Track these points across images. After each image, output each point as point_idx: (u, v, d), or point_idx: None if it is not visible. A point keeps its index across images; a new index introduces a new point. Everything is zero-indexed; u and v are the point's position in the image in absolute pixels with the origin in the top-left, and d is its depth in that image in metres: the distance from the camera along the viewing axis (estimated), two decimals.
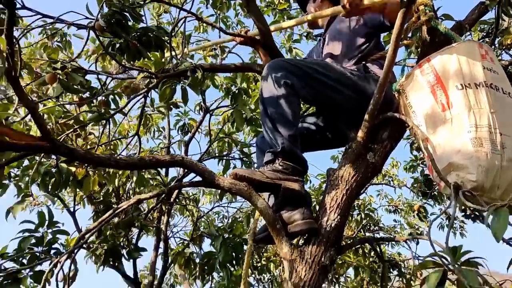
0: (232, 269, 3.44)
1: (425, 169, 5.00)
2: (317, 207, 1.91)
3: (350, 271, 6.50)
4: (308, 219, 1.77)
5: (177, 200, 4.18)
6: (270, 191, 1.90)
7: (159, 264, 4.88)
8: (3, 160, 1.48)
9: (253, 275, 6.45)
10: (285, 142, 1.84)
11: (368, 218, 5.44)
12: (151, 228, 3.78)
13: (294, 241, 1.86)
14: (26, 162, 2.93)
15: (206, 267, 4.22)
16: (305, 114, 2.40)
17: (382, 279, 2.35)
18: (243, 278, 1.78)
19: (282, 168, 1.82)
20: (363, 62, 2.10)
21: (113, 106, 2.85)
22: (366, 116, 1.87)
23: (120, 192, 3.83)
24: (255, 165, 2.58)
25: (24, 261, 2.25)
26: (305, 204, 1.82)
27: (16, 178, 3.27)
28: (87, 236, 1.82)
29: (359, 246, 4.94)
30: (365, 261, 5.00)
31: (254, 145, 4.70)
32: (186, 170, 3.98)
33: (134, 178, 2.74)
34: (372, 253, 5.24)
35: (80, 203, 4.29)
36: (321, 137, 2.19)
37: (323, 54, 2.31)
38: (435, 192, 4.87)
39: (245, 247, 3.73)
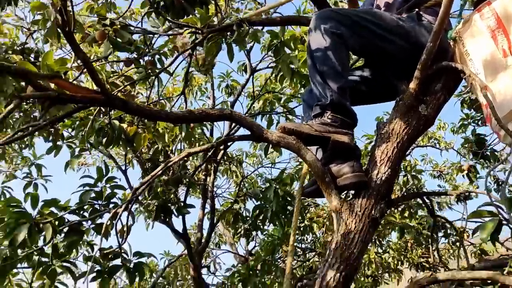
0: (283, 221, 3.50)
1: (476, 128, 4.80)
2: (364, 167, 1.88)
3: (392, 236, 6.46)
4: (358, 172, 1.75)
5: (223, 160, 4.26)
6: (319, 144, 1.89)
7: (206, 224, 5.04)
8: (61, 113, 1.54)
9: (296, 235, 6.55)
10: (334, 95, 1.80)
11: (414, 181, 5.31)
12: (198, 186, 3.89)
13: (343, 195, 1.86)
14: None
15: (251, 225, 4.33)
16: (353, 67, 2.34)
17: (432, 235, 2.33)
18: (292, 230, 1.81)
19: (331, 121, 1.80)
20: (416, 10, 2.00)
21: (159, 66, 2.89)
22: (419, 67, 1.79)
23: (168, 152, 3.93)
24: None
25: (86, 214, 2.39)
26: (355, 157, 1.80)
27: (69, 140, 3.44)
28: (141, 189, 1.89)
29: (404, 207, 4.87)
30: (410, 222, 4.93)
31: (298, 98, 4.67)
32: (232, 126, 4.04)
33: (183, 134, 2.81)
34: (418, 215, 5.16)
35: (129, 163, 4.45)
36: (369, 90, 2.12)
37: (375, 5, 2.22)
38: (487, 152, 4.68)
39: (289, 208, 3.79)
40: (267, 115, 4.20)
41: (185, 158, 2.81)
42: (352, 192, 1.87)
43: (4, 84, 1.27)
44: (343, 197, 1.81)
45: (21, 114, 3.03)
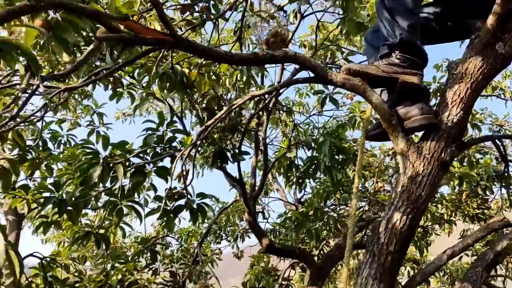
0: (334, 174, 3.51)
1: None
2: None
3: (444, 189, 6.29)
4: (428, 114, 1.69)
5: (275, 107, 4.24)
6: (385, 86, 1.83)
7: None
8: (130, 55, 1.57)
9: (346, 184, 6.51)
10: (403, 33, 1.71)
11: (474, 130, 5.08)
12: (252, 133, 3.94)
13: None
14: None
15: (303, 173, 4.36)
16: (423, 4, 2.20)
17: (503, 178, 2.24)
18: (357, 173, 1.80)
19: (399, 62, 1.73)
20: None
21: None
22: (498, 1, 1.66)
23: (221, 101, 3.95)
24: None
25: (148, 158, 2.49)
26: (424, 99, 1.73)
27: (130, 86, 3.54)
28: (206, 132, 1.93)
29: (464, 155, 4.70)
30: (471, 171, 4.77)
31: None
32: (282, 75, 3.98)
33: (244, 78, 2.81)
34: (479, 164, 4.97)
35: (182, 112, 4.54)
36: (441, 28, 2.00)
37: None
38: None
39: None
40: (327, 67, 4.09)
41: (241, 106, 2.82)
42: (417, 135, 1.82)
43: (81, 25, 1.30)
44: (410, 139, 1.77)
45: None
